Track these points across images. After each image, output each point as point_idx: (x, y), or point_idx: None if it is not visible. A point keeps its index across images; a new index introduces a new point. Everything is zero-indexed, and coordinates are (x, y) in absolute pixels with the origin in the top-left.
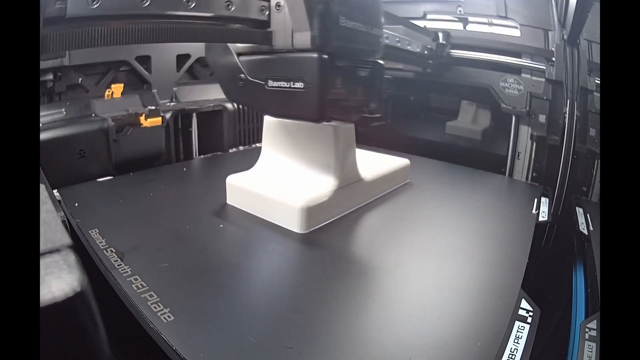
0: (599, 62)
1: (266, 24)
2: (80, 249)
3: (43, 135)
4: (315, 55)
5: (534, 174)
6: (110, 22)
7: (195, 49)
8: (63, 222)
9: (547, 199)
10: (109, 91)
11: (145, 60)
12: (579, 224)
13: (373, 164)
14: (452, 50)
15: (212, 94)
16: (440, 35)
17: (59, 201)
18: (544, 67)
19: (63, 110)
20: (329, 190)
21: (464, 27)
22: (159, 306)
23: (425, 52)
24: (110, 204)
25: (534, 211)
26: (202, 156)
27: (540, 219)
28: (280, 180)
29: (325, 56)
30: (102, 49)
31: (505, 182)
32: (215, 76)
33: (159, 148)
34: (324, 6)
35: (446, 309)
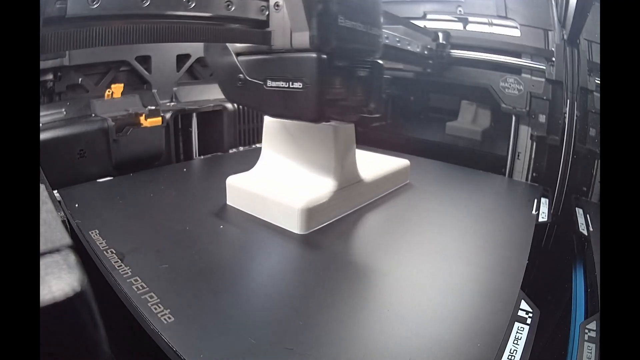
0: (599, 62)
1: (265, 23)
2: (81, 249)
3: (43, 135)
4: (314, 55)
5: (534, 174)
6: (110, 22)
7: (196, 49)
8: (63, 222)
9: (547, 200)
10: (109, 91)
11: (145, 60)
12: (579, 225)
13: (373, 164)
14: (452, 50)
15: (212, 94)
16: (441, 35)
17: (59, 202)
18: (544, 67)
19: (63, 110)
20: (329, 191)
21: (464, 27)
22: (159, 307)
23: (425, 52)
24: (110, 205)
25: (533, 212)
26: (202, 157)
27: (540, 219)
28: (280, 181)
29: (324, 56)
30: (102, 48)
31: (505, 182)
32: (214, 76)
33: (159, 148)
34: (323, 6)
35: (446, 310)
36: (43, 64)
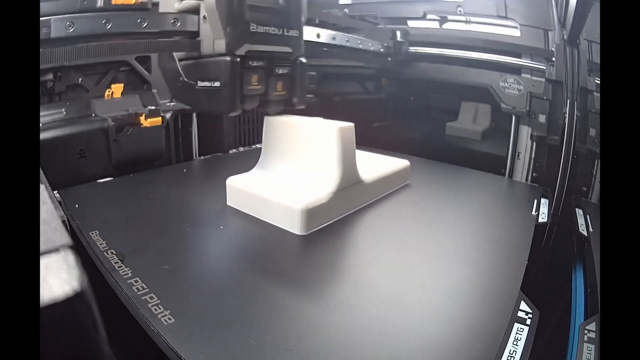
0: (599, 62)
1: (196, 34)
2: (81, 250)
3: (43, 135)
4: (228, 58)
5: (534, 174)
6: (84, 41)
7: None
8: (63, 222)
9: (547, 200)
10: (109, 91)
11: (145, 60)
12: (579, 225)
13: (373, 165)
14: (410, 48)
15: None
16: (398, 33)
17: (59, 202)
18: (544, 67)
19: (63, 110)
20: (329, 192)
21: (465, 27)
22: (160, 308)
23: (381, 50)
24: (110, 206)
25: (533, 212)
26: (202, 157)
27: (540, 220)
28: (280, 181)
29: (237, 59)
30: None
31: (505, 183)
32: (165, 79)
33: (159, 148)
34: (235, 16)
35: (445, 311)
36: (43, 64)
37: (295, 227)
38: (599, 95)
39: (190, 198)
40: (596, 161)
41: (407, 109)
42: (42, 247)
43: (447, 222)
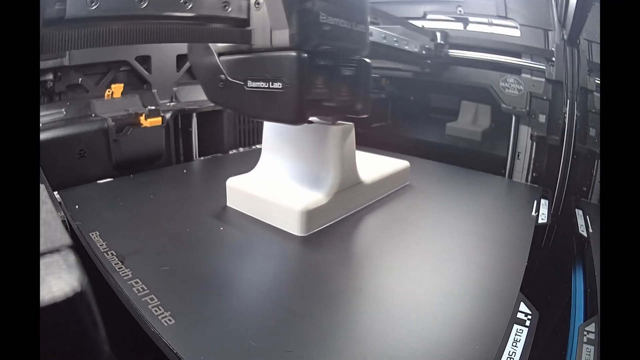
0: (599, 62)
1: (245, 22)
2: (81, 251)
3: (43, 135)
4: (293, 53)
5: (534, 174)
6: (109, 23)
7: None
8: (63, 222)
9: (547, 201)
10: (109, 91)
11: (145, 60)
12: (579, 226)
13: (373, 166)
14: (450, 50)
15: None
16: (439, 35)
17: (59, 203)
18: (544, 67)
19: (63, 110)
20: (328, 193)
21: (464, 27)
22: (160, 309)
23: (423, 52)
24: (110, 207)
25: (533, 213)
26: (202, 158)
27: (540, 221)
28: (280, 183)
29: (305, 55)
30: (102, 49)
31: (505, 183)
32: (197, 77)
33: (159, 148)
34: (303, 2)
35: (445, 312)
36: (43, 64)
37: (295, 228)
38: (599, 95)
39: (190, 199)
40: (596, 161)
41: (407, 109)
42: (42, 247)
43: (447, 223)
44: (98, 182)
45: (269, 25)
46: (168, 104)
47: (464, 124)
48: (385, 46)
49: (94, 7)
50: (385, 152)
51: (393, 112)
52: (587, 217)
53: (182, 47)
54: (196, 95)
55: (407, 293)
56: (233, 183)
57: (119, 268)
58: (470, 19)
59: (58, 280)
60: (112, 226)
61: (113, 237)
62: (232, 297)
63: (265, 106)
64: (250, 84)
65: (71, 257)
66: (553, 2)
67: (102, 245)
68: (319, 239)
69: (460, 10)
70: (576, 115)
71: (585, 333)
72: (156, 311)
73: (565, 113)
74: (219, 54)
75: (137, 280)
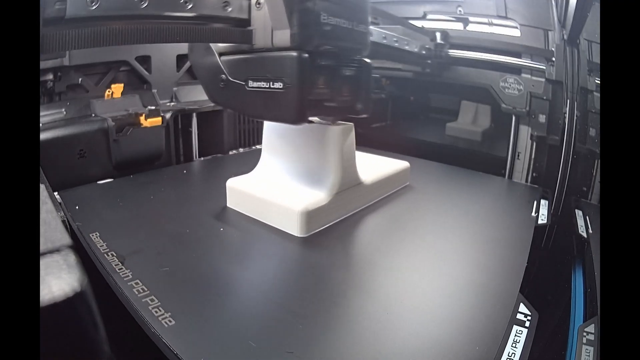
0: (599, 62)
1: (246, 22)
2: (81, 252)
3: (43, 135)
4: (294, 53)
5: (534, 174)
6: (109, 23)
7: None
8: (63, 222)
9: (547, 202)
10: (109, 91)
11: (145, 60)
12: (578, 227)
13: (373, 166)
14: (450, 50)
15: None
16: (439, 35)
17: (59, 203)
18: (544, 67)
19: (63, 110)
20: (328, 194)
21: (464, 27)
22: (160, 310)
23: (424, 52)
24: (110, 207)
25: (533, 214)
26: (202, 158)
27: (540, 221)
28: (280, 183)
29: (306, 55)
30: (102, 49)
31: (504, 184)
32: (197, 77)
33: (159, 148)
34: (304, 2)
35: (445, 313)
36: (43, 64)
37: (295, 229)
38: (599, 95)
39: (191, 199)
40: (596, 161)
41: (407, 109)
42: (42, 247)
43: (446, 223)
44: (98, 182)
45: (270, 25)
46: (168, 104)
47: (464, 124)
48: (385, 46)
49: (94, 7)
50: (385, 152)
51: (393, 112)
52: (587, 217)
53: (182, 47)
54: (196, 95)
55: (406, 293)
56: (233, 184)
57: (119, 269)
58: (470, 19)
59: (58, 280)
60: (112, 227)
61: (113, 237)
62: (232, 297)
63: (266, 106)
64: (251, 83)
65: (71, 257)
66: (553, 2)
67: (102, 245)
68: (319, 239)
69: (460, 10)
70: (576, 115)
71: (584, 334)
72: (156, 312)
73: (565, 113)
74: (220, 54)
75: (138, 281)
